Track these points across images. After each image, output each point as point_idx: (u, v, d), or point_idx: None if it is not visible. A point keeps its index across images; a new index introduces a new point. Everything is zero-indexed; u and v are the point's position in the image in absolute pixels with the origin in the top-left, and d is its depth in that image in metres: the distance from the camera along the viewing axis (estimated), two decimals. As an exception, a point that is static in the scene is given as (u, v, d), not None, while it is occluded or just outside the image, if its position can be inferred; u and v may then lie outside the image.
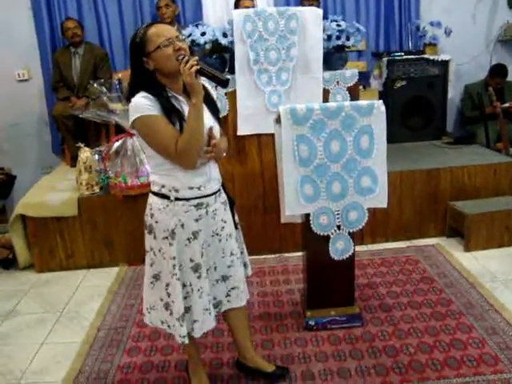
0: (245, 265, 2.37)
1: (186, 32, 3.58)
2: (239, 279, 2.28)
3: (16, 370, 2.70)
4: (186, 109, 1.98)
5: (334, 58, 3.66)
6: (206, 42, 3.48)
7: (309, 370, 2.54)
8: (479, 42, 5.40)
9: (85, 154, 3.79)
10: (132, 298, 3.35)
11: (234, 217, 2.26)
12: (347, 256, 2.79)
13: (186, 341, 2.14)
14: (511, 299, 3.07)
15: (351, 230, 2.74)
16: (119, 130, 3.93)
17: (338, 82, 3.61)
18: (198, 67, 1.86)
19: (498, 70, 5.03)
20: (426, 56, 4.83)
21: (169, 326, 2.18)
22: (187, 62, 1.86)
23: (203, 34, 3.47)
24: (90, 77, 4.51)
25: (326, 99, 3.56)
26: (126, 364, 2.68)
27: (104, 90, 3.77)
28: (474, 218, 3.70)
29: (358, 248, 3.48)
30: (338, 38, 3.58)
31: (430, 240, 3.96)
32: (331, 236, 2.73)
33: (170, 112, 1.94)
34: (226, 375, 2.55)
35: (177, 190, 2.03)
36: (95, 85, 3.80)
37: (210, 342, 2.77)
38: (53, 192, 3.89)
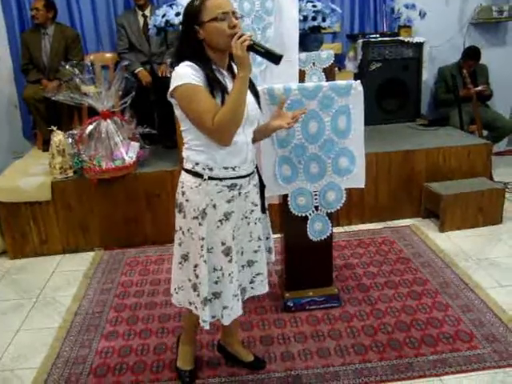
0: (269, 250, 2.33)
1: (160, 12, 3.52)
2: (263, 265, 2.23)
3: (-9, 357, 2.66)
4: (229, 85, 1.92)
5: (309, 39, 3.64)
6: (180, 23, 3.41)
7: (288, 351, 2.55)
8: (453, 25, 5.41)
9: (58, 137, 3.71)
10: (108, 283, 3.31)
11: (263, 200, 2.21)
12: (325, 237, 2.80)
13: (207, 326, 2.08)
14: (485, 278, 3.14)
15: (329, 211, 2.75)
16: (92, 113, 3.86)
17: (313, 64, 3.59)
18: (251, 42, 1.81)
19: (471, 53, 5.06)
20: (400, 38, 4.82)
21: (196, 308, 2.11)
22: (240, 37, 1.80)
23: (178, 14, 3.40)
24: (60, 58, 4.37)
25: (301, 80, 3.54)
26: (104, 348, 2.65)
27: (76, 71, 3.69)
28: (449, 198, 3.75)
29: (334, 229, 3.46)
30: (314, 18, 3.56)
31: (405, 221, 4.01)
32: (309, 217, 2.74)
33: (213, 84, 1.88)
34: (205, 357, 2.55)
35: (211, 169, 1.97)
36: (67, 66, 3.70)
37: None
38: (25, 176, 3.79)
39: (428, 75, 5.03)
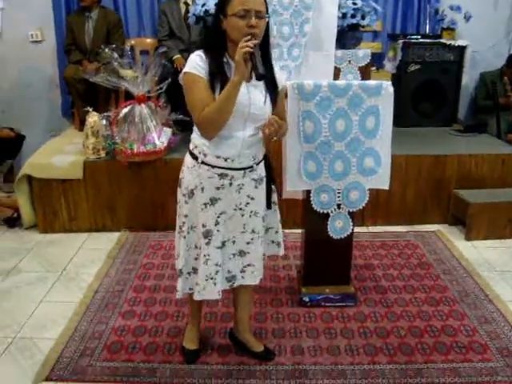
0: (278, 244, 2.41)
1: (200, 1, 3.56)
2: (256, 257, 2.27)
3: (14, 325, 2.76)
4: None
5: (347, 36, 3.63)
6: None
7: (299, 345, 2.57)
8: (499, 30, 5.28)
9: (93, 118, 3.80)
10: (131, 263, 3.39)
11: (270, 195, 2.25)
12: (345, 235, 2.80)
13: (177, 296, 2.29)
14: (506, 290, 3.08)
15: (351, 210, 2.74)
16: (128, 97, 3.93)
17: (349, 61, 3.57)
18: (251, 50, 1.83)
19: (514, 60, 4.95)
20: (442, 40, 4.74)
21: None
22: (247, 41, 1.83)
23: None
24: (102, 41, 4.46)
25: (336, 77, 3.53)
26: (120, 327, 2.72)
27: (115, 55, 3.75)
28: (477, 207, 3.69)
29: (359, 229, 3.48)
30: (353, 16, 3.54)
31: (431, 226, 3.96)
32: (331, 214, 2.74)
33: (215, 76, 1.94)
34: (216, 344, 2.59)
35: (205, 155, 2.06)
36: (107, 50, 3.77)
37: (204, 311, 2.79)
38: (59, 154, 3.91)
39: (468, 80, 4.94)
